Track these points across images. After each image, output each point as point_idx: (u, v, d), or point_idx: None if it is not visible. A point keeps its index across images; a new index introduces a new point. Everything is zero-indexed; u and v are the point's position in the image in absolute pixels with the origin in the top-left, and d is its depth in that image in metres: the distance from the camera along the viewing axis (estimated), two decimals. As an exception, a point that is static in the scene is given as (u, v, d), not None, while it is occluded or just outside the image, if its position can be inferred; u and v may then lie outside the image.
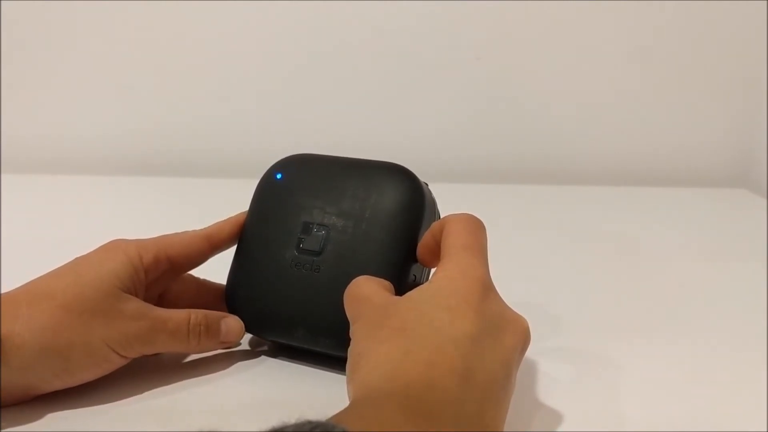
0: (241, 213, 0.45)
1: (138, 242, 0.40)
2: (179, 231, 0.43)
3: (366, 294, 0.35)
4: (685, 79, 0.94)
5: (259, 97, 0.94)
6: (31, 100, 0.94)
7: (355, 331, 0.34)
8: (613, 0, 0.89)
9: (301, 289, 0.41)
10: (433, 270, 0.39)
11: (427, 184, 0.43)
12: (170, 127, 0.95)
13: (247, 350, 0.44)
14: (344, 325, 0.36)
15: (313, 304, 0.40)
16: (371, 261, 0.40)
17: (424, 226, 0.41)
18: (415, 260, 0.40)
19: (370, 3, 0.89)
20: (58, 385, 0.36)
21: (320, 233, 0.41)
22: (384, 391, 0.29)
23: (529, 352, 0.34)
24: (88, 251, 0.40)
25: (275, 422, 0.25)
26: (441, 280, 0.33)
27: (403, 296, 0.34)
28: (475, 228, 0.36)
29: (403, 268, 0.40)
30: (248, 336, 0.44)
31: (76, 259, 0.39)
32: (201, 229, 0.43)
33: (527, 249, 0.68)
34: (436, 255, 0.37)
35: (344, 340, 0.35)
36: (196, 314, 0.40)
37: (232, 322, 0.42)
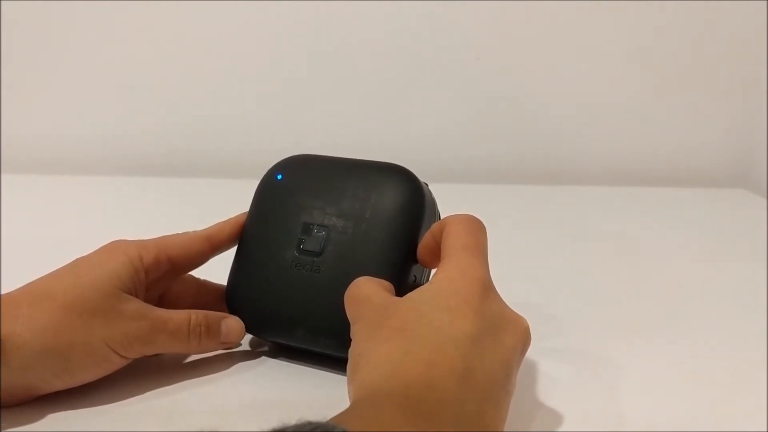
0: (241, 213, 0.45)
1: (138, 243, 0.40)
2: (179, 232, 0.43)
3: (366, 294, 0.35)
4: (685, 79, 0.94)
5: (259, 97, 0.94)
6: (31, 100, 0.94)
7: (355, 332, 0.34)
8: (613, 0, 0.89)
9: (302, 289, 0.41)
10: (433, 271, 0.39)
11: (427, 185, 0.43)
12: (170, 127, 0.96)
13: (247, 351, 0.44)
14: (344, 325, 0.36)
15: (313, 304, 0.40)
16: (371, 261, 0.40)
17: (425, 227, 0.41)
18: (415, 261, 0.40)
19: (370, 3, 0.89)
20: (59, 385, 0.36)
21: (320, 234, 0.41)
22: (384, 391, 0.29)
23: (529, 353, 0.34)
24: (89, 252, 0.40)
25: (275, 423, 0.25)
26: (441, 281, 0.34)
27: (404, 297, 0.34)
28: (476, 228, 0.36)
29: (404, 269, 0.40)
30: (249, 336, 0.44)
31: (77, 259, 0.39)
32: (201, 230, 0.43)
33: (527, 249, 0.68)
34: (436, 256, 0.37)
35: (344, 341, 0.35)
36: (197, 315, 0.40)
37: (232, 323, 0.42)
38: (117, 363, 0.38)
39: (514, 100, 0.95)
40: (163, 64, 0.93)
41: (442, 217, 0.42)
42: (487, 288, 0.33)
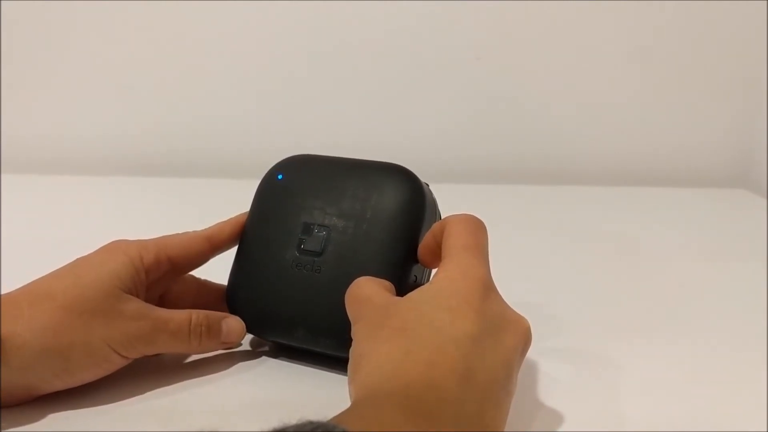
0: (241, 214, 0.45)
1: (139, 243, 0.40)
2: (180, 232, 0.43)
3: (367, 294, 0.35)
4: (685, 79, 0.94)
5: (259, 97, 0.94)
6: (31, 100, 0.94)
7: (356, 332, 0.34)
8: (613, 0, 0.89)
9: (302, 289, 0.41)
10: (434, 271, 0.39)
11: (427, 185, 0.43)
12: (170, 127, 0.96)
13: (248, 351, 0.44)
14: (345, 325, 0.36)
15: (313, 304, 0.40)
16: (372, 261, 0.40)
17: (425, 227, 0.41)
18: (415, 261, 0.40)
19: (370, 3, 0.89)
20: (59, 385, 0.36)
21: (321, 234, 0.41)
22: (384, 391, 0.29)
23: (530, 353, 0.34)
24: (89, 252, 0.40)
25: (276, 423, 0.25)
26: (442, 281, 0.34)
27: (404, 297, 0.34)
28: (476, 228, 0.36)
29: (404, 269, 0.40)
30: (249, 336, 0.44)
31: (77, 259, 0.39)
32: (202, 230, 0.43)
33: (527, 249, 0.68)
34: (437, 255, 0.37)
35: (345, 341, 0.35)
36: (197, 315, 0.40)
37: (233, 323, 0.42)
38: (117, 363, 0.38)
39: (514, 100, 0.95)
40: (163, 64, 0.93)
41: (442, 217, 0.42)
42: (488, 288, 0.33)
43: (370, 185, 0.42)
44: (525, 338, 0.33)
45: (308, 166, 0.44)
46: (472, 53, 0.92)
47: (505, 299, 0.34)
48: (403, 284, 0.39)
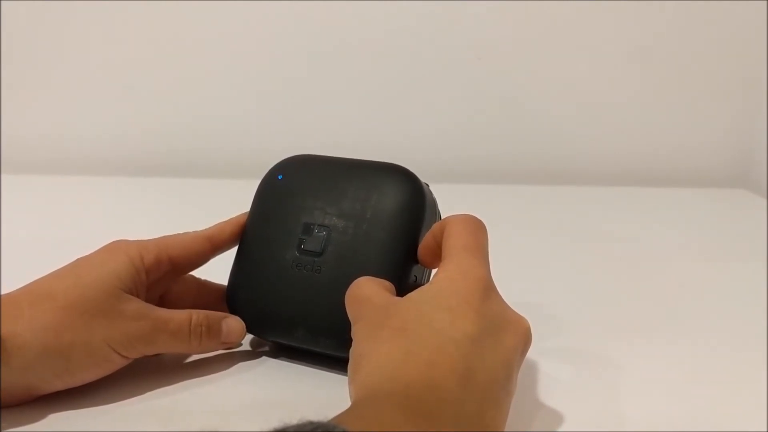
0: (242, 214, 0.45)
1: (139, 243, 0.40)
2: (180, 232, 0.43)
3: (367, 295, 0.35)
4: (685, 79, 0.94)
5: (259, 97, 0.94)
6: (31, 100, 0.94)
7: (356, 332, 0.34)
8: (613, 0, 0.89)
9: (302, 289, 0.41)
10: (434, 271, 0.39)
11: (427, 185, 0.43)
12: (170, 127, 0.96)
13: (248, 351, 0.44)
14: (345, 325, 0.36)
15: (313, 304, 0.40)
16: (372, 262, 0.40)
17: (425, 227, 0.41)
18: (416, 261, 0.40)
19: (370, 3, 0.89)
20: (60, 385, 0.36)
21: (321, 234, 0.41)
22: (384, 391, 0.29)
23: (530, 353, 0.34)
24: (89, 252, 0.40)
25: (276, 423, 0.25)
26: (442, 281, 0.34)
27: (404, 297, 0.34)
28: (476, 228, 0.36)
29: (404, 269, 0.40)
30: (249, 336, 0.44)
31: (78, 260, 0.39)
32: (202, 230, 0.43)
33: (527, 249, 0.68)
34: (437, 256, 0.37)
35: (345, 341, 0.35)
36: (198, 315, 0.41)
37: (233, 323, 0.42)
38: (118, 363, 0.38)
39: (514, 100, 0.95)
40: (163, 64, 0.93)
41: (442, 217, 0.42)
42: (488, 288, 0.33)
43: (370, 185, 0.42)
44: (525, 338, 0.33)
45: (308, 167, 0.44)
46: (472, 53, 0.92)
47: (505, 299, 0.34)
48: (403, 284, 0.39)
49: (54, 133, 0.95)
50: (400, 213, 0.40)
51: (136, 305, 0.38)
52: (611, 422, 0.37)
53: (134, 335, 0.37)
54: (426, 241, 0.39)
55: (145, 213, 0.78)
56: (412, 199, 0.41)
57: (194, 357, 0.43)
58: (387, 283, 0.37)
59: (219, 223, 0.44)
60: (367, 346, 0.32)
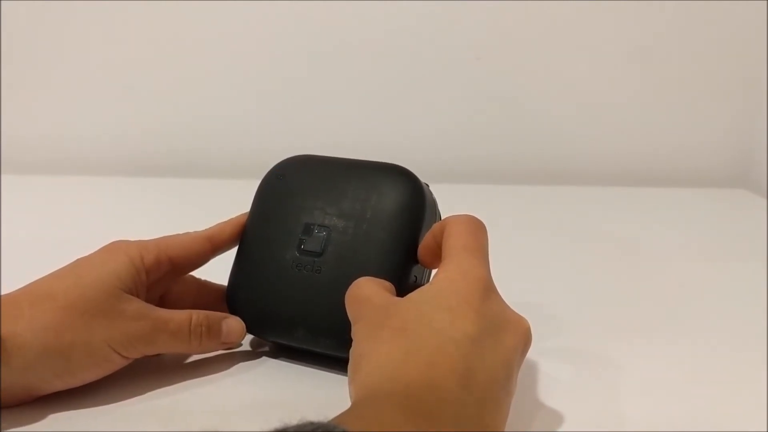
0: (242, 214, 0.45)
1: (139, 243, 0.40)
2: (180, 232, 0.43)
3: (367, 295, 0.35)
4: (685, 79, 0.94)
5: (259, 97, 0.94)
6: (31, 100, 0.94)
7: (356, 332, 0.34)
8: (613, 0, 0.89)
9: (302, 290, 0.41)
10: (434, 271, 0.39)
11: (427, 185, 0.43)
12: (170, 127, 0.96)
13: (248, 351, 0.44)
14: (345, 325, 0.36)
15: (313, 304, 0.40)
16: (372, 262, 0.40)
17: (425, 227, 0.41)
18: (416, 261, 0.40)
19: (370, 3, 0.89)
20: (60, 385, 0.36)
21: (321, 234, 0.41)
22: (384, 391, 0.29)
23: (530, 353, 0.34)
24: (89, 252, 0.40)
25: (276, 423, 0.25)
26: (442, 281, 0.34)
27: (404, 297, 0.34)
28: (476, 229, 0.36)
29: (404, 269, 0.40)
30: (249, 337, 0.44)
31: (78, 260, 0.39)
32: (202, 231, 0.43)
33: (527, 249, 0.68)
34: (437, 256, 0.37)
35: (345, 341, 0.35)
36: (198, 315, 0.41)
37: (233, 323, 0.42)
38: (118, 363, 0.38)
39: (514, 100, 0.95)
40: (163, 64, 0.93)
41: (442, 217, 0.42)
42: (488, 288, 0.33)
43: (370, 185, 0.42)
44: (525, 338, 0.33)
45: (308, 167, 0.44)
46: (472, 53, 0.92)
47: (505, 299, 0.34)
48: (403, 284, 0.39)
49: (54, 133, 0.95)
50: (400, 213, 0.40)
51: (137, 305, 0.38)
52: (611, 422, 0.37)
53: (134, 335, 0.37)
54: (426, 241, 0.39)
55: (145, 213, 0.78)
56: (412, 199, 0.41)
57: (194, 357, 0.43)
58: (387, 284, 0.37)
59: (219, 224, 0.44)
60: (367, 346, 0.32)
